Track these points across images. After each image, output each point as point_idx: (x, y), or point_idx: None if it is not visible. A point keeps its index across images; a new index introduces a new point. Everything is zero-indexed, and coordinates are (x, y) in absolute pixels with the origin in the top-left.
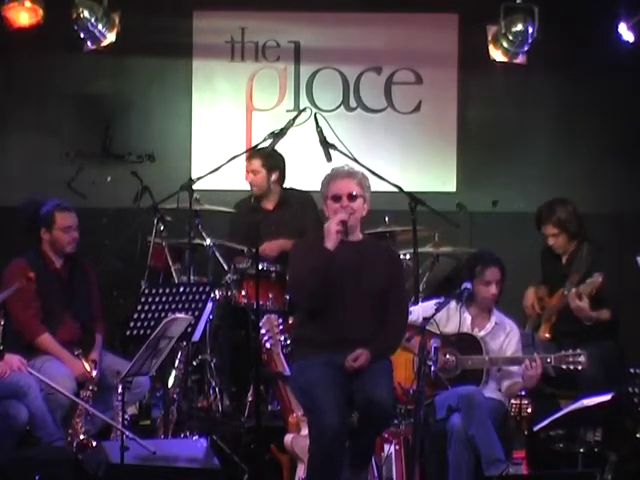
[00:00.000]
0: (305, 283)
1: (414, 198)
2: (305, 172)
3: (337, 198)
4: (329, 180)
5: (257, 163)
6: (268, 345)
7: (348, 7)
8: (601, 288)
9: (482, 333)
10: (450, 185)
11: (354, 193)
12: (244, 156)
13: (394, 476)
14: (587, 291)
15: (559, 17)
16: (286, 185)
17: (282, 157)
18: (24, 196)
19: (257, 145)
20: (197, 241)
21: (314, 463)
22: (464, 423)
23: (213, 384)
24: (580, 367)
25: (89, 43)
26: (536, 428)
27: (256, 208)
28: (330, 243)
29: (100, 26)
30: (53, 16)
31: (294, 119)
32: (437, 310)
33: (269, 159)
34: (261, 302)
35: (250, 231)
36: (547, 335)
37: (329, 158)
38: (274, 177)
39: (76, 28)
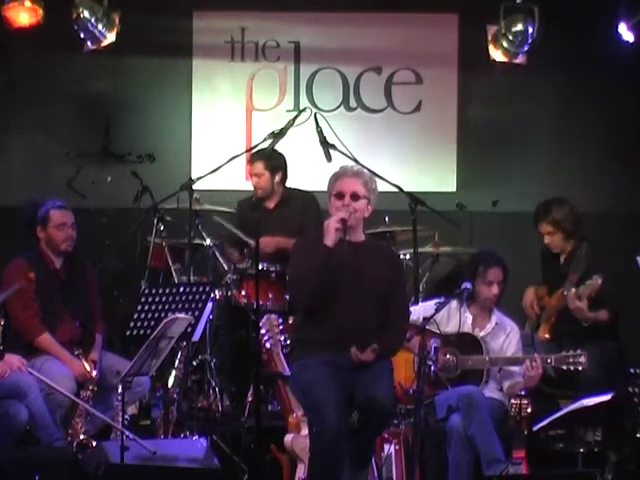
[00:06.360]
0: (304, 281)
1: (414, 198)
2: (305, 172)
3: (340, 196)
4: (336, 177)
5: (260, 166)
6: (268, 345)
7: (348, 7)
8: (600, 290)
9: (482, 333)
10: (450, 185)
11: (358, 193)
12: (245, 158)
13: (394, 476)
14: (586, 293)
15: (559, 17)
16: (288, 185)
17: (283, 157)
18: (24, 196)
19: (257, 146)
20: (197, 241)
21: (315, 463)
22: (464, 423)
23: (213, 384)
24: (580, 367)
25: (89, 43)
26: (536, 428)
27: (257, 206)
28: (329, 240)
29: (100, 26)
30: (53, 16)
31: (294, 119)
32: (437, 310)
33: (271, 160)
34: (261, 302)
35: (250, 228)
36: (547, 335)
37: (329, 158)
38: (277, 178)
39: (76, 28)
